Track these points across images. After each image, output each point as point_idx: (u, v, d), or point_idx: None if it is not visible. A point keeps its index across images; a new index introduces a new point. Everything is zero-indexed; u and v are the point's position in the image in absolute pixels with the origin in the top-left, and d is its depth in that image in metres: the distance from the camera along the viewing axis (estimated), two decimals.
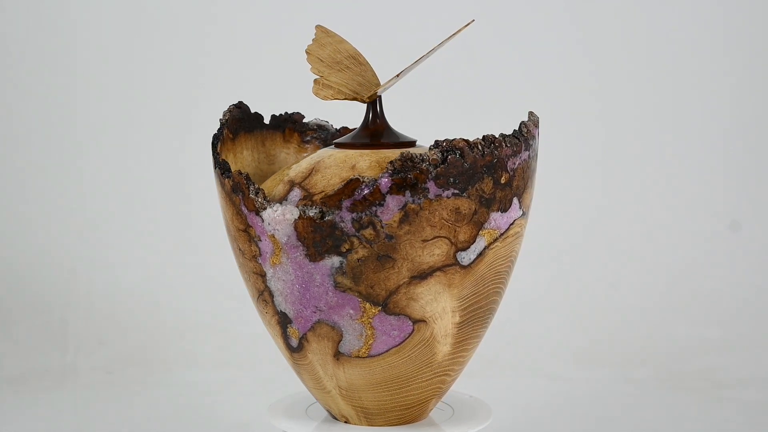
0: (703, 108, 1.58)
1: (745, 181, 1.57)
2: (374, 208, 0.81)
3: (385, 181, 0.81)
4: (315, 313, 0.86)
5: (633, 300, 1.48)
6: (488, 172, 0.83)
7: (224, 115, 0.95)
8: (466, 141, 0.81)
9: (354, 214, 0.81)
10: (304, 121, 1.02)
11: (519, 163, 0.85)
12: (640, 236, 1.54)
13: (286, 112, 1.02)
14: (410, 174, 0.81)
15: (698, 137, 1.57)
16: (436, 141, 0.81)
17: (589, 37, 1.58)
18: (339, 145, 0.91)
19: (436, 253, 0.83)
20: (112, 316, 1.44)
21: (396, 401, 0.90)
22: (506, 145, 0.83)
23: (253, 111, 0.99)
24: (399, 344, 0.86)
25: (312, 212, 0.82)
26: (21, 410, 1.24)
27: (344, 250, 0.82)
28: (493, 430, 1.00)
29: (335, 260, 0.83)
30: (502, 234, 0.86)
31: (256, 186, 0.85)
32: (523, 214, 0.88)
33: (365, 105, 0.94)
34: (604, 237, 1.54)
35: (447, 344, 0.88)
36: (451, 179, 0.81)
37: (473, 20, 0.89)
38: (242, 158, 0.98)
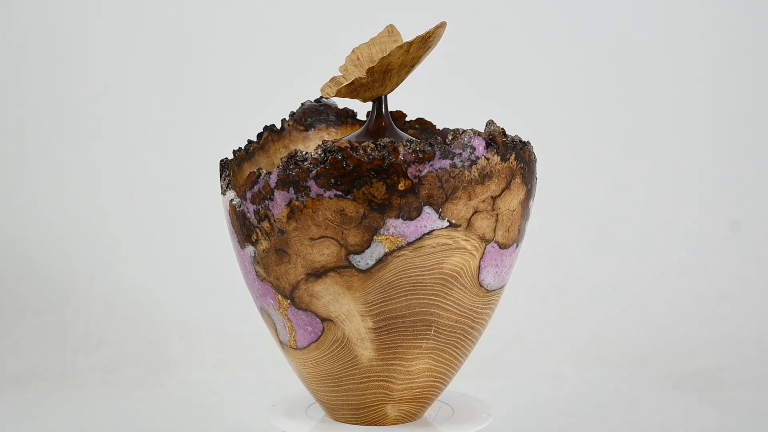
0: (702, 108, 1.58)
1: (745, 181, 1.57)
2: (267, 202, 0.83)
3: (273, 177, 0.82)
4: (257, 299, 0.90)
5: (633, 300, 1.48)
6: (378, 177, 0.80)
7: (297, 109, 1.00)
8: (350, 143, 0.80)
9: (255, 206, 0.84)
10: (407, 119, 1.03)
11: (429, 171, 0.80)
12: (640, 236, 1.54)
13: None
14: (293, 171, 0.81)
15: (698, 137, 1.57)
16: (324, 141, 0.81)
17: (595, 37, 1.58)
18: None
19: (325, 252, 0.83)
20: (112, 316, 1.44)
21: (340, 399, 0.90)
22: (405, 151, 0.80)
23: (342, 107, 1.02)
24: (316, 341, 0.87)
25: (234, 201, 0.86)
26: (21, 410, 1.24)
27: (253, 240, 0.85)
28: (493, 430, 0.99)
29: (251, 249, 0.86)
30: (411, 243, 0.82)
31: (227, 173, 0.90)
32: (452, 225, 0.82)
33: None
34: (605, 237, 1.54)
35: (368, 349, 0.86)
36: (332, 180, 0.80)
37: (444, 22, 0.88)
38: None
